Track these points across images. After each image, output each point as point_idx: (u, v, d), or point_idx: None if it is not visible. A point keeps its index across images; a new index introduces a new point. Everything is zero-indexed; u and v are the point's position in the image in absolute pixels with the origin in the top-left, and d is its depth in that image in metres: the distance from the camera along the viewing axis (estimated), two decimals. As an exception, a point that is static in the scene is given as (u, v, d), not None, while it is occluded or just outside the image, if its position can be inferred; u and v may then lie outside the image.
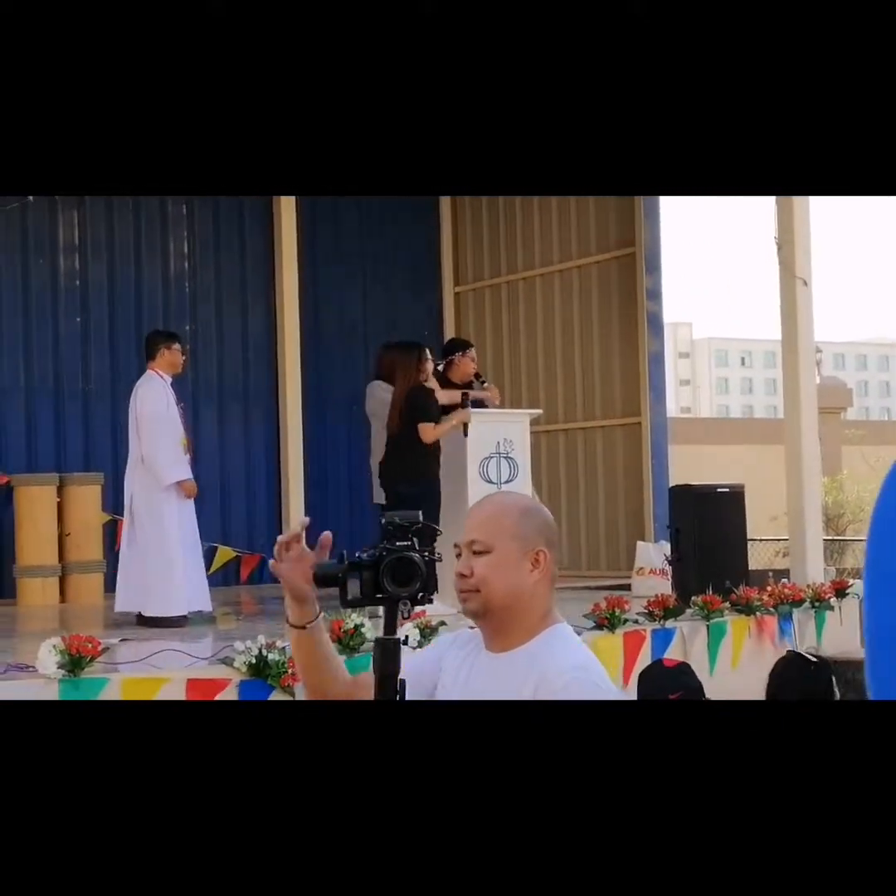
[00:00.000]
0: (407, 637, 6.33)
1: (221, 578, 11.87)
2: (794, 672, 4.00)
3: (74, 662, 5.42)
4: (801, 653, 4.15)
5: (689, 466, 16.32)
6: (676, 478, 11.59)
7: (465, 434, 8.45)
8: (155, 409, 8.43)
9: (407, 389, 8.43)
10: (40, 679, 5.41)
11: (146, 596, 8.31)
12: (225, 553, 11.97)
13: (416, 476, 8.31)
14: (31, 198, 10.86)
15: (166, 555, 8.37)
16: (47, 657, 5.41)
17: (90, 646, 5.49)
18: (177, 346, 8.77)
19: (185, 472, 8.50)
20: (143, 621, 8.16)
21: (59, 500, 10.46)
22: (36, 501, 10.36)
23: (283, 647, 5.95)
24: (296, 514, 12.34)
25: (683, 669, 4.18)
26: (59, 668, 5.40)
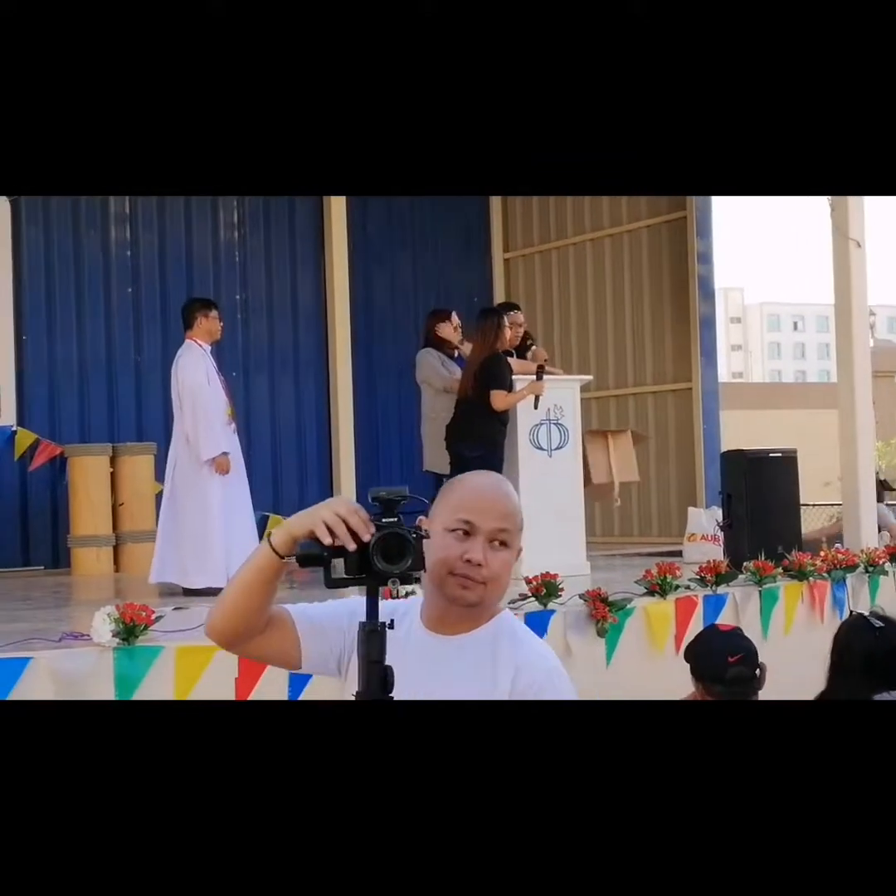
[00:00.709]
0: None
1: (274, 547, 11.90)
2: (858, 635, 3.97)
3: (128, 631, 5.46)
4: (867, 615, 4.11)
5: (741, 432, 16.25)
6: (728, 443, 11.53)
7: (536, 405, 8.44)
8: (196, 380, 8.34)
9: (484, 355, 8.40)
10: (95, 647, 5.45)
11: (184, 568, 8.32)
12: (276, 521, 12.00)
13: (482, 440, 8.30)
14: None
15: (206, 526, 8.36)
16: (102, 626, 5.44)
17: (144, 614, 5.52)
18: (214, 313, 8.64)
19: (218, 448, 8.34)
20: (188, 592, 8.19)
21: (112, 470, 10.53)
22: (89, 472, 10.43)
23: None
24: (347, 481, 12.38)
25: (738, 632, 4.17)
26: (113, 636, 5.44)
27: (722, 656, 3.93)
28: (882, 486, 10.30)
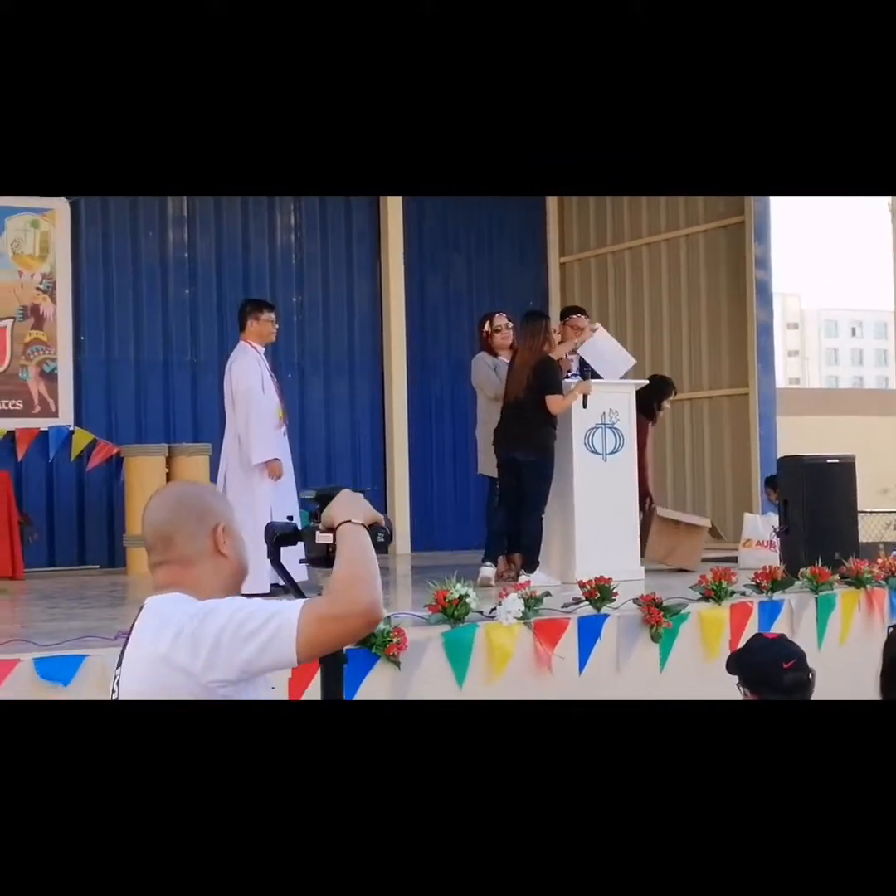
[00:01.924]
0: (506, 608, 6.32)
1: (326, 549, 11.93)
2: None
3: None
4: None
5: (798, 438, 16.12)
6: (785, 449, 11.44)
7: (585, 405, 8.40)
8: (249, 384, 8.26)
9: (536, 359, 8.36)
10: (150, 645, 5.45)
11: None
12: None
13: (535, 446, 8.28)
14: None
15: (255, 531, 8.33)
16: (157, 624, 5.44)
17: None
18: (267, 314, 8.52)
19: (269, 452, 8.26)
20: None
21: (167, 470, 10.58)
22: (145, 472, 10.49)
23: (389, 617, 5.96)
24: (400, 483, 12.40)
25: (786, 639, 4.13)
26: (168, 635, 5.43)
27: (776, 664, 3.89)
28: None
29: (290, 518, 3.16)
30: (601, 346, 9.00)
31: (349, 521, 2.62)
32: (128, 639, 2.60)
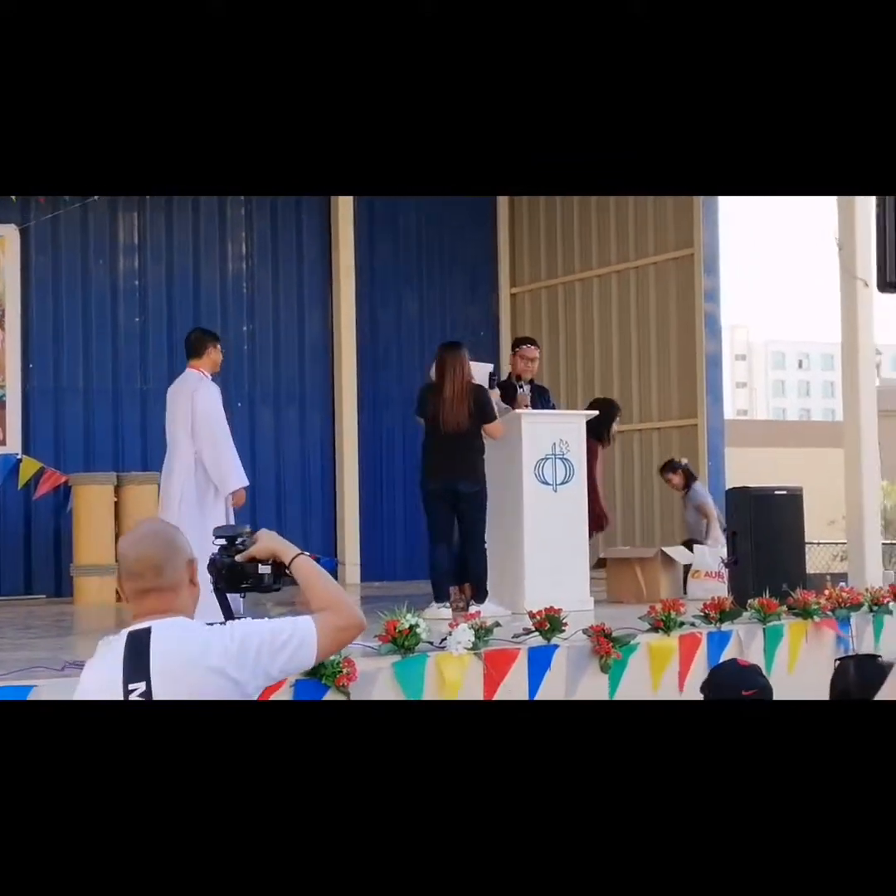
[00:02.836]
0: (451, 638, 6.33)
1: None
2: (840, 677, 3.98)
3: (131, 660, 5.42)
4: (850, 657, 4.12)
5: (746, 469, 16.23)
6: (733, 480, 11.52)
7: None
8: (217, 410, 8.23)
9: (472, 388, 8.34)
10: (97, 676, 5.42)
11: None
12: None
13: (479, 476, 8.33)
14: (95, 197, 10.94)
15: (205, 561, 8.29)
16: (105, 654, 5.41)
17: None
18: (219, 345, 8.57)
19: (243, 479, 8.28)
20: None
21: (116, 499, 10.52)
22: (94, 501, 10.43)
23: (339, 647, 5.94)
24: (350, 512, 12.38)
25: (757, 670, 4.16)
26: (116, 665, 5.40)
27: (736, 690, 3.93)
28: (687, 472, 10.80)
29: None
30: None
31: (302, 554, 3.23)
32: (128, 659, 3.00)
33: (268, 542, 3.31)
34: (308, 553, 3.20)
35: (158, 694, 2.94)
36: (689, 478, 10.96)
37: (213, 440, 8.17)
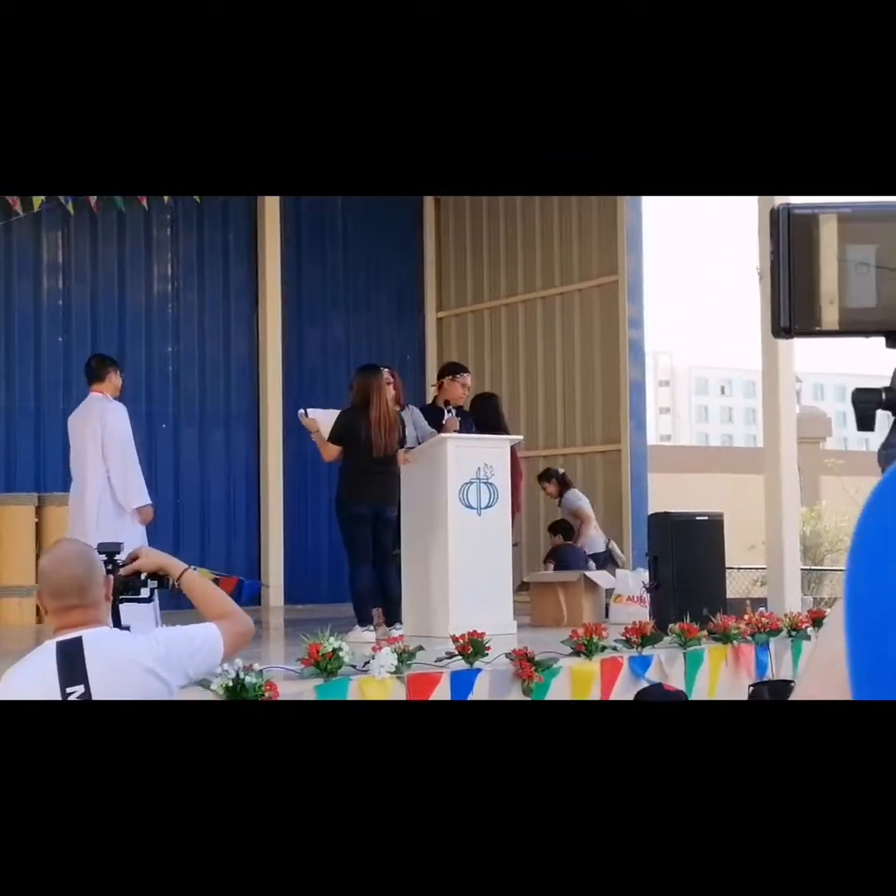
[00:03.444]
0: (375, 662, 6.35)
1: (200, 600, 11.84)
2: (770, 696, 4.04)
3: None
4: (775, 679, 4.19)
5: (669, 494, 16.35)
6: (655, 505, 11.62)
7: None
8: (126, 432, 8.45)
9: (397, 414, 8.48)
10: (17, 699, 5.38)
11: None
12: (203, 575, 11.93)
13: (398, 500, 8.46)
14: (19, 213, 10.85)
15: None
16: (24, 677, 5.38)
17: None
18: (119, 370, 8.82)
19: (146, 497, 8.49)
20: None
21: (37, 520, 10.44)
22: (15, 521, 10.33)
23: (261, 671, 5.95)
24: (275, 534, 12.35)
25: (682, 696, 4.19)
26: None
27: None
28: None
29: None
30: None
31: (189, 568, 3.82)
32: (62, 666, 3.32)
33: (153, 557, 3.80)
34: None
35: (97, 693, 3.26)
36: (564, 486, 11.43)
37: (123, 460, 8.36)
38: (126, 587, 3.72)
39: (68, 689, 3.26)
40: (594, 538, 11.21)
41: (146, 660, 3.43)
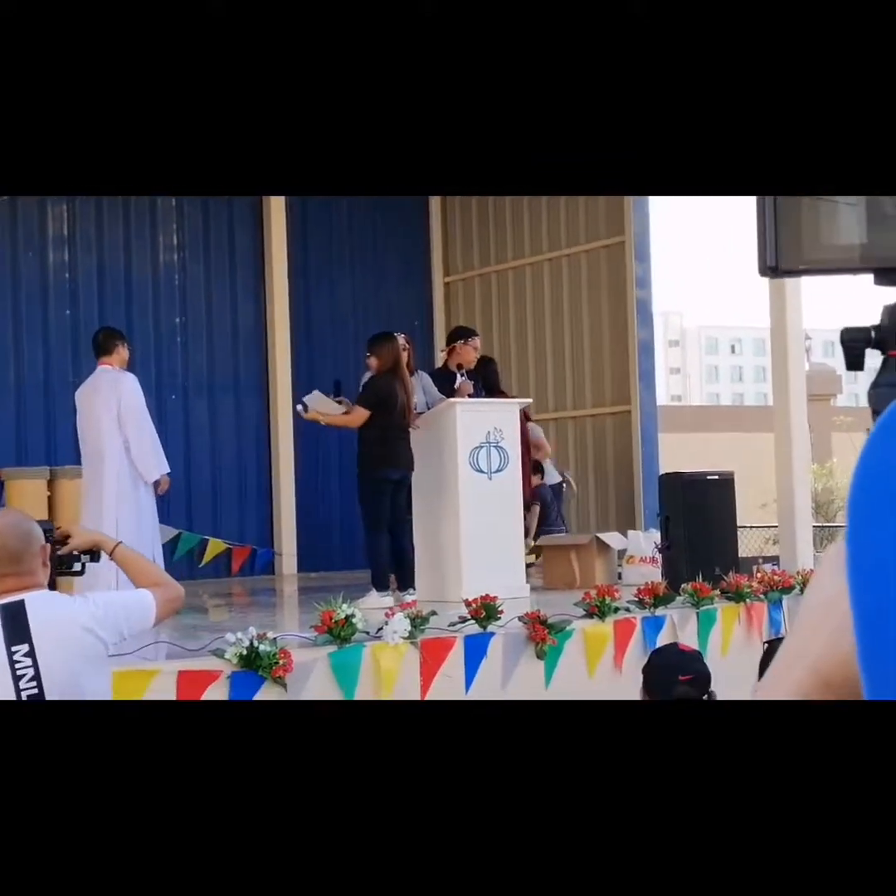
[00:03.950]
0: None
1: (212, 570, 11.89)
2: (766, 659, 4.03)
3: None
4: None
5: (679, 454, 16.36)
6: (666, 466, 11.62)
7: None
8: (141, 402, 8.50)
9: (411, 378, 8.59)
10: (32, 671, 5.40)
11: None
12: (216, 545, 11.99)
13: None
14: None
15: (143, 550, 8.40)
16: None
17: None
18: (127, 343, 8.85)
19: (165, 466, 8.58)
20: None
21: (49, 493, 10.46)
22: (26, 495, 10.35)
23: (275, 639, 5.97)
24: (286, 505, 12.36)
25: (697, 656, 4.19)
26: (50, 660, 5.40)
27: (673, 673, 3.95)
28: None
29: None
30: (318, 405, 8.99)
31: (120, 544, 4.11)
32: (6, 627, 3.59)
33: (86, 536, 4.17)
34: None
35: (41, 650, 3.57)
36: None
37: (139, 431, 8.39)
38: (61, 563, 4.06)
39: (13, 648, 3.57)
40: (551, 469, 11.41)
41: (84, 619, 3.72)
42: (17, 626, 3.59)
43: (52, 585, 3.94)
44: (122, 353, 8.70)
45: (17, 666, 3.56)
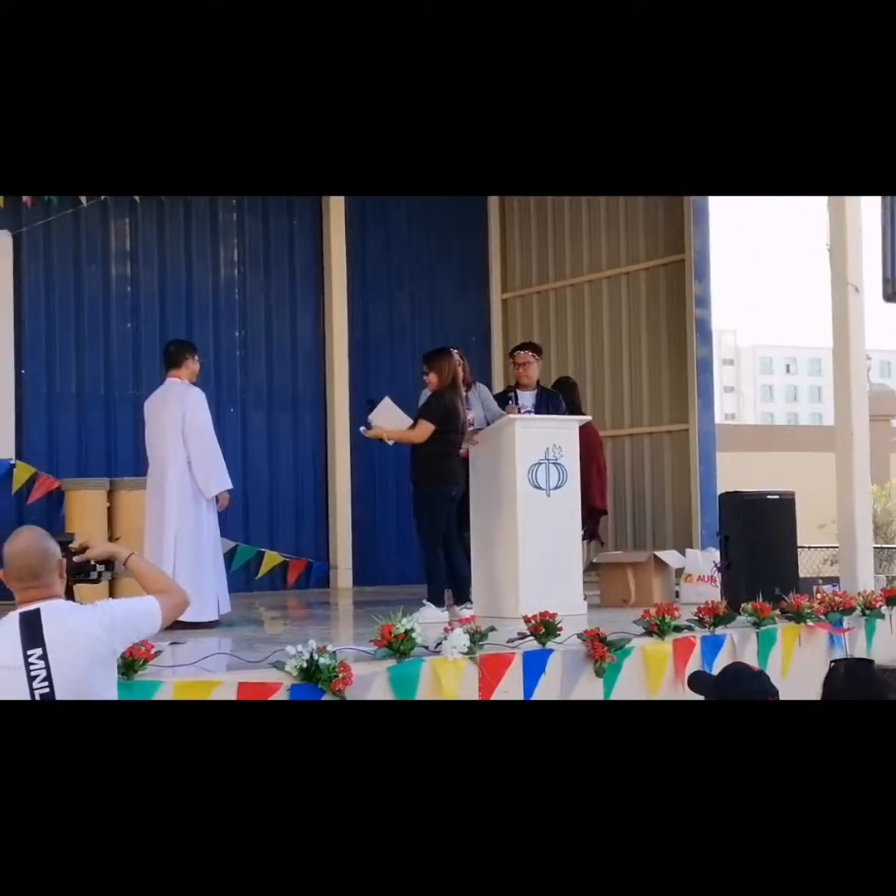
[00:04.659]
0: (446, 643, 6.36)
1: (268, 583, 11.93)
2: (830, 681, 3.99)
3: (128, 665, 5.45)
4: (841, 661, 4.13)
5: (734, 473, 16.26)
6: (722, 485, 11.55)
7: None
8: (207, 418, 8.51)
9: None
10: (95, 681, 5.44)
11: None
12: (272, 558, 12.03)
13: None
14: (83, 203, 10.97)
15: (202, 562, 8.43)
16: (102, 660, 5.44)
17: (143, 649, 5.52)
18: (197, 356, 8.86)
19: (227, 482, 8.60)
20: (182, 626, 8.15)
21: (108, 504, 10.52)
22: (87, 506, 10.43)
23: (334, 652, 5.97)
24: (342, 519, 12.38)
25: (766, 677, 4.13)
26: (114, 670, 5.43)
27: (763, 696, 3.90)
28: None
29: None
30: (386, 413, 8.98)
31: (133, 554, 4.48)
32: (24, 632, 3.98)
33: (101, 547, 4.61)
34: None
35: (53, 653, 3.93)
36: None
37: (203, 446, 8.39)
38: (79, 571, 4.48)
39: (28, 652, 3.94)
40: None
41: (93, 627, 4.09)
42: (33, 631, 3.99)
43: (70, 593, 4.35)
44: (192, 366, 8.72)
45: (31, 668, 3.94)
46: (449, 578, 8.47)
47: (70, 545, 4.53)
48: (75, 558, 4.47)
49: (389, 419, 8.63)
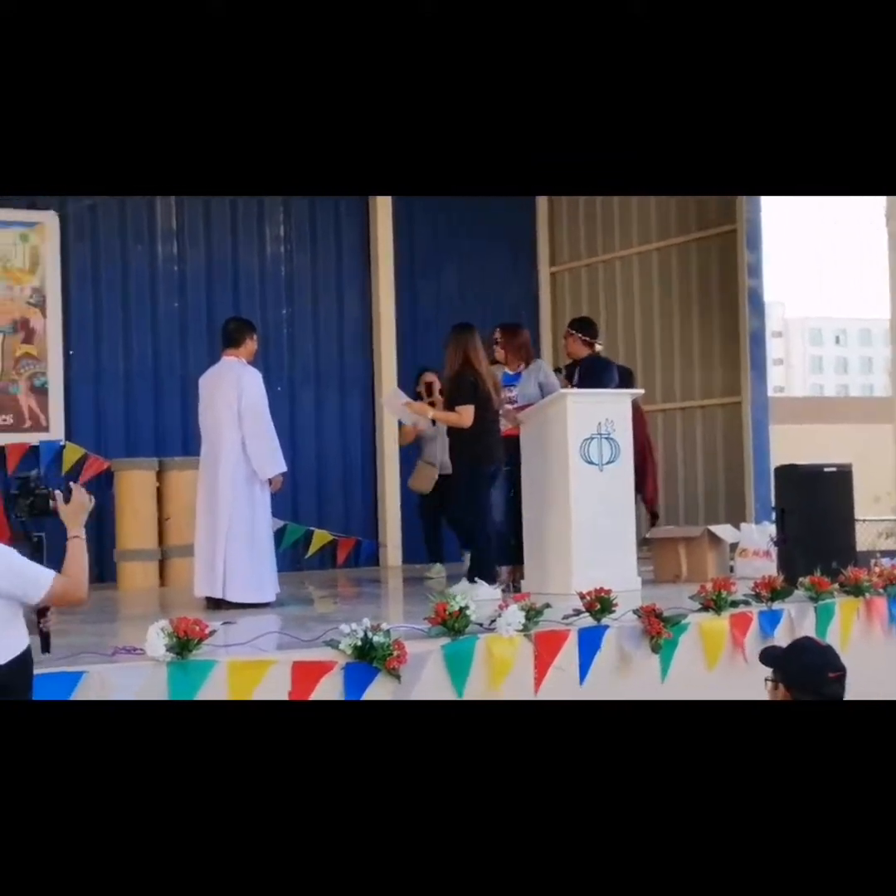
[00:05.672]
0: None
1: (318, 562, 11.91)
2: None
3: (182, 645, 5.43)
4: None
5: (784, 446, 16.11)
6: (774, 458, 11.41)
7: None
8: (263, 399, 8.38)
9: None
10: (149, 661, 5.42)
11: (235, 582, 8.28)
12: (321, 536, 12.00)
13: None
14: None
15: (258, 545, 8.37)
16: (156, 640, 5.41)
17: (198, 628, 5.49)
18: (256, 335, 8.70)
19: (282, 466, 8.46)
20: (234, 606, 8.12)
21: (158, 484, 10.52)
22: (135, 486, 10.42)
23: (388, 630, 5.91)
24: (391, 497, 12.33)
25: (834, 652, 4.10)
26: (167, 650, 5.40)
27: (823, 670, 3.89)
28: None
29: None
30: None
31: (78, 537, 4.51)
32: None
33: (75, 515, 4.62)
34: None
35: None
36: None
37: (257, 427, 8.28)
38: (37, 508, 4.81)
39: None
40: None
41: None
42: None
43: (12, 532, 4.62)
44: (251, 345, 8.58)
45: None
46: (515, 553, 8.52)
47: (33, 479, 4.86)
48: (66, 498, 4.64)
49: (396, 408, 8.62)
